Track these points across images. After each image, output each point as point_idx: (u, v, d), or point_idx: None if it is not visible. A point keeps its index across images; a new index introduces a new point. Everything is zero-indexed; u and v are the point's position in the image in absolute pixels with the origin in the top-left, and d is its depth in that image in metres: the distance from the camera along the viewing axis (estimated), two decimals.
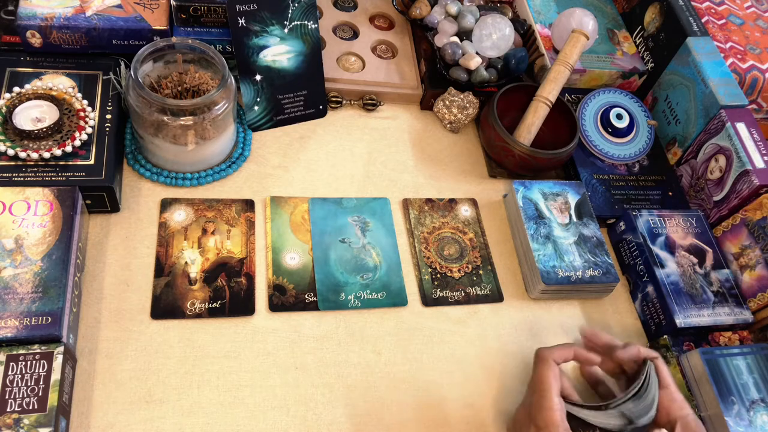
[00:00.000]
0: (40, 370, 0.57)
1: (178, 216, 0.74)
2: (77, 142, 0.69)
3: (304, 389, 0.66)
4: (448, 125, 0.91)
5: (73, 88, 0.73)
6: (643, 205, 0.88)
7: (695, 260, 0.81)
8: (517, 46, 0.95)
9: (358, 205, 0.80)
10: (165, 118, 0.69)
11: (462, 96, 0.90)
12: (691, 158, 0.90)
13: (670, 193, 0.90)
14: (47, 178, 0.67)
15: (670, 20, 0.95)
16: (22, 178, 0.67)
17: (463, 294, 0.76)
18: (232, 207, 0.76)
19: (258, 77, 0.80)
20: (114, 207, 0.72)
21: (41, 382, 0.56)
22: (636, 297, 0.82)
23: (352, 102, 0.90)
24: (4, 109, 0.69)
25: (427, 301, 0.75)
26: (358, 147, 0.87)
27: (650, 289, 0.79)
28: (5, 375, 0.56)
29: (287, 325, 0.70)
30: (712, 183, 0.87)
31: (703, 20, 0.96)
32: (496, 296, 0.77)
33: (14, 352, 0.57)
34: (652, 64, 0.98)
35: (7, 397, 0.55)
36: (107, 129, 0.72)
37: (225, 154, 0.79)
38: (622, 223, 0.84)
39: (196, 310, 0.68)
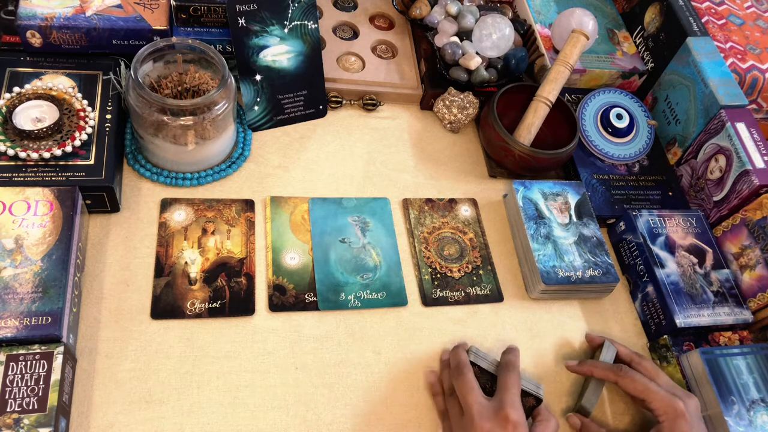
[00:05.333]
0: (40, 370, 0.57)
1: (178, 216, 0.74)
2: (77, 142, 0.69)
3: (304, 389, 0.66)
4: (448, 125, 0.91)
5: (73, 88, 0.73)
6: (643, 205, 0.88)
7: (695, 260, 0.81)
8: (517, 46, 0.95)
9: (358, 205, 0.80)
10: (165, 118, 0.69)
11: (462, 96, 0.90)
12: (691, 158, 0.90)
13: (670, 193, 0.90)
14: (47, 178, 0.67)
15: (670, 20, 0.95)
16: (22, 178, 0.67)
17: (463, 294, 0.76)
18: (232, 207, 0.76)
19: (258, 77, 0.80)
20: (114, 207, 0.72)
21: (41, 382, 0.56)
22: (636, 297, 0.82)
23: (352, 102, 0.90)
24: (4, 109, 0.69)
25: (427, 301, 0.75)
26: (358, 147, 0.87)
27: (650, 289, 0.79)
28: (5, 375, 0.56)
29: (287, 325, 0.70)
30: (712, 183, 0.87)
31: (703, 20, 0.96)
32: (496, 296, 0.77)
33: (14, 352, 0.57)
34: (652, 64, 0.98)
35: (7, 397, 0.55)
36: (107, 129, 0.72)
37: (225, 154, 0.79)
38: (622, 223, 0.84)
39: (196, 310, 0.68)
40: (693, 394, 0.68)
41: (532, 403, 0.66)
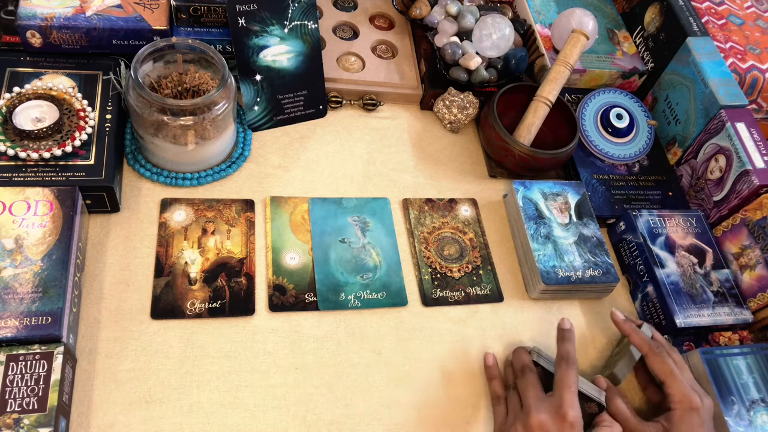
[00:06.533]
0: (40, 370, 0.57)
1: (178, 216, 0.74)
2: (77, 142, 0.69)
3: (304, 389, 0.66)
4: (448, 125, 0.91)
5: (73, 88, 0.73)
6: (643, 205, 0.88)
7: (695, 260, 0.81)
8: (517, 46, 0.95)
9: (358, 205, 0.80)
10: (165, 118, 0.69)
11: (462, 96, 0.90)
12: (691, 158, 0.90)
13: (670, 193, 0.90)
14: (47, 178, 0.67)
15: (670, 20, 0.95)
16: (22, 178, 0.67)
17: (463, 294, 0.76)
18: (232, 207, 0.76)
19: (258, 77, 0.80)
20: (114, 207, 0.72)
21: (41, 382, 0.56)
22: (636, 297, 0.82)
23: (352, 102, 0.90)
24: (4, 109, 0.69)
25: (427, 301, 0.75)
26: (358, 147, 0.87)
27: (650, 289, 0.79)
28: (5, 375, 0.56)
29: (287, 325, 0.70)
30: (712, 183, 0.87)
31: (703, 20, 0.96)
32: (496, 296, 0.77)
33: (14, 352, 0.57)
34: (652, 64, 0.98)
35: (7, 397, 0.55)
36: (107, 129, 0.72)
37: (225, 154, 0.79)
38: (622, 223, 0.84)
39: (196, 310, 0.68)
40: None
41: (594, 410, 0.66)
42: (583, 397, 0.66)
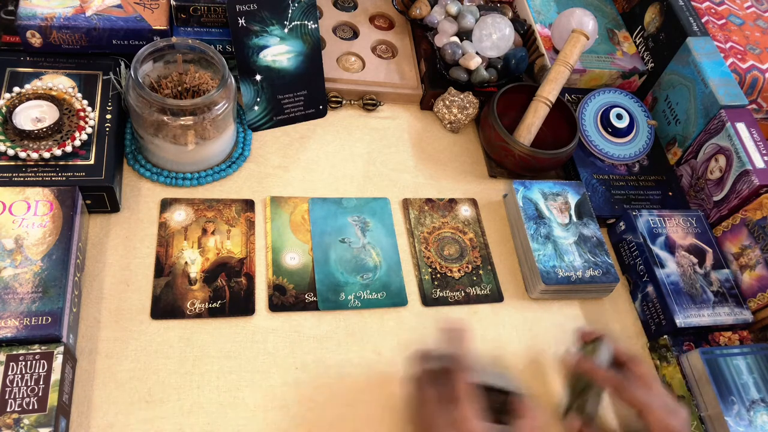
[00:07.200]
0: (40, 370, 0.57)
1: (178, 216, 0.74)
2: (77, 142, 0.69)
3: (304, 389, 0.66)
4: (448, 125, 0.91)
5: (73, 88, 0.73)
6: (643, 205, 0.88)
7: (695, 260, 0.81)
8: (517, 46, 0.95)
9: (358, 205, 0.80)
10: (165, 118, 0.69)
11: (462, 96, 0.90)
12: (691, 158, 0.90)
13: (670, 193, 0.90)
14: (47, 178, 0.67)
15: (670, 20, 0.95)
16: (22, 178, 0.67)
17: (463, 294, 0.76)
18: (232, 207, 0.76)
19: (258, 77, 0.80)
20: (114, 207, 0.72)
21: (41, 382, 0.56)
22: (636, 297, 0.82)
23: (352, 102, 0.90)
24: (4, 109, 0.69)
25: (427, 301, 0.75)
26: (358, 147, 0.87)
27: (650, 289, 0.79)
28: (5, 375, 0.56)
29: (287, 325, 0.70)
30: (712, 183, 0.87)
31: (703, 20, 0.96)
32: (496, 296, 0.77)
33: (14, 352, 0.57)
34: (652, 64, 0.98)
35: (7, 397, 0.55)
36: (107, 129, 0.72)
37: (225, 154, 0.79)
38: (622, 223, 0.84)
39: (196, 310, 0.68)
40: (682, 405, 0.64)
41: (502, 399, 0.58)
42: (486, 389, 0.58)
